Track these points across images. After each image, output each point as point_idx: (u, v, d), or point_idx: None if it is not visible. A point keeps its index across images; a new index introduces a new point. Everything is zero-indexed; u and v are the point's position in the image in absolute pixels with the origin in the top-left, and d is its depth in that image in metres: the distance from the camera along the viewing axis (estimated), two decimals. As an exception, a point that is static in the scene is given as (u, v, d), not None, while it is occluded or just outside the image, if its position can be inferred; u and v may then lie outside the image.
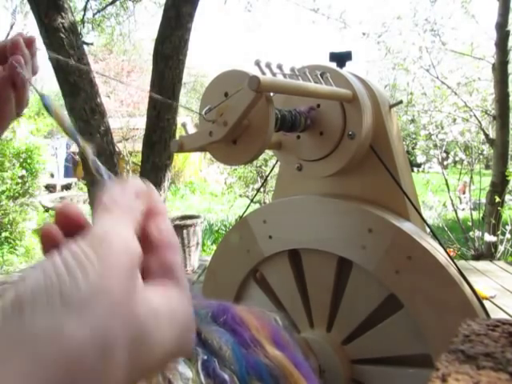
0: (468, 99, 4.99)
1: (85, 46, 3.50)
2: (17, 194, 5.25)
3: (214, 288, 1.18)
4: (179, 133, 2.89)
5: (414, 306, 0.90)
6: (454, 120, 5.11)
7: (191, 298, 0.25)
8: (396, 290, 0.92)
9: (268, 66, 0.84)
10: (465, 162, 5.15)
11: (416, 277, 0.89)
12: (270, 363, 0.34)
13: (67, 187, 11.08)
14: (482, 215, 4.51)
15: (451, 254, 3.10)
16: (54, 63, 2.77)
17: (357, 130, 0.95)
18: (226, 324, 0.37)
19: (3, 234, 5.16)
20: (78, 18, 5.13)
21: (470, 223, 4.58)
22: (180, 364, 0.32)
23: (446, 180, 4.65)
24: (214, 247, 4.93)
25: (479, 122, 4.79)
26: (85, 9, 5.54)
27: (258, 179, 6.63)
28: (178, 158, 10.80)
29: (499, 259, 4.02)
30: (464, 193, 6.02)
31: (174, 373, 0.32)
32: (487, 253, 4.20)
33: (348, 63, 1.13)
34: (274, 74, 0.85)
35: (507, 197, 4.37)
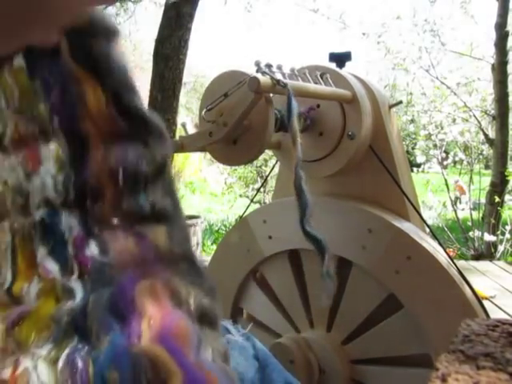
0: (468, 99, 4.99)
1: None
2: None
3: (214, 288, 1.18)
4: (179, 133, 2.89)
5: (414, 306, 0.90)
6: (454, 120, 5.11)
7: None
8: (396, 290, 0.92)
9: (268, 66, 0.84)
10: (464, 162, 5.16)
11: (416, 277, 0.90)
12: (141, 354, 0.31)
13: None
14: (481, 215, 4.51)
15: (451, 254, 3.09)
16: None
17: (356, 130, 0.95)
18: (118, 309, 0.34)
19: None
20: (78, 18, 5.13)
21: (469, 223, 4.58)
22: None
23: (446, 180, 4.65)
24: (214, 247, 4.93)
25: (479, 122, 4.79)
26: (85, 9, 5.54)
27: (258, 179, 6.62)
28: (178, 158, 10.77)
29: (499, 259, 4.02)
30: (460, 191, 6.04)
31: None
32: (487, 253, 4.20)
33: (348, 63, 1.12)
34: (273, 75, 0.85)
35: (507, 197, 4.37)
